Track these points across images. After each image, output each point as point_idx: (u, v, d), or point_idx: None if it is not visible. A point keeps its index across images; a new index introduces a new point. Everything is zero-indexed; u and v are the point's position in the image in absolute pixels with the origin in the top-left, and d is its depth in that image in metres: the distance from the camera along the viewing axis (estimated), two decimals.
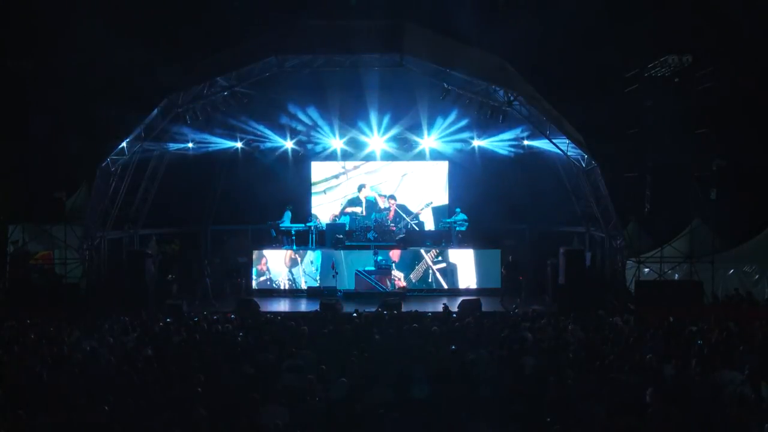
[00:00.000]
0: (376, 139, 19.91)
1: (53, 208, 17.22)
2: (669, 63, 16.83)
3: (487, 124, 18.13)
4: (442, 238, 20.43)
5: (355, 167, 21.32)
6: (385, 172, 21.43)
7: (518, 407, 6.94)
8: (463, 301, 16.15)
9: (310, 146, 19.93)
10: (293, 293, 19.22)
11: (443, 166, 21.34)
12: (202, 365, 8.70)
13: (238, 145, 20.05)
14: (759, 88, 17.54)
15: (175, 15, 18.64)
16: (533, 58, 18.02)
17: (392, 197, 21.15)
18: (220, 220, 21.30)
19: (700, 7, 16.99)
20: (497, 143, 19.43)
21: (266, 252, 19.48)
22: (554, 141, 16.74)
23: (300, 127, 19.69)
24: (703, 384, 7.73)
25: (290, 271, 19.33)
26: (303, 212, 20.94)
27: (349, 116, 19.65)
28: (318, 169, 21.48)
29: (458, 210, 20.18)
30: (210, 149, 19.57)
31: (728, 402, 6.99)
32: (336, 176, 21.43)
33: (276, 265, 19.39)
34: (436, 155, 20.44)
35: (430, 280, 19.13)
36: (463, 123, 18.90)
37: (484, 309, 15.70)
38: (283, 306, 17.75)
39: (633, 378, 7.94)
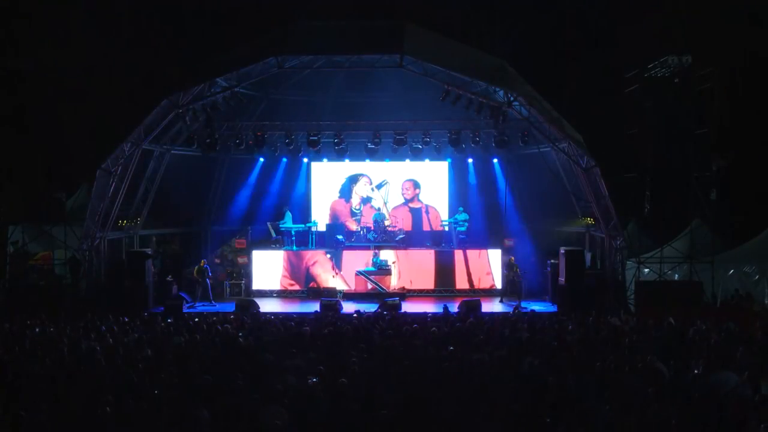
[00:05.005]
0: (378, 139, 19.87)
1: (53, 208, 17.21)
2: (669, 63, 16.85)
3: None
4: (443, 239, 20.48)
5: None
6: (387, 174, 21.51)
7: (518, 408, 6.93)
8: (463, 301, 16.17)
9: (310, 148, 19.84)
10: (293, 293, 19.24)
11: (443, 166, 21.37)
12: (202, 366, 8.69)
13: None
14: (758, 89, 17.55)
15: (175, 15, 18.65)
16: (533, 58, 18.04)
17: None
18: (220, 220, 21.31)
19: (700, 8, 17.00)
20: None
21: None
22: (554, 141, 16.76)
23: (300, 128, 19.67)
24: (703, 384, 7.73)
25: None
26: (303, 213, 20.98)
27: (350, 116, 19.65)
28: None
29: (461, 209, 20.19)
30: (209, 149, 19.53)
31: (727, 402, 6.98)
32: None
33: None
34: (436, 155, 20.41)
35: None
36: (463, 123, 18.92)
37: (483, 309, 15.72)
38: (283, 306, 17.75)
39: (632, 378, 7.93)
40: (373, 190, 21.39)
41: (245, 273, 19.78)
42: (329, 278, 19.31)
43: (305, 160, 21.20)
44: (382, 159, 20.65)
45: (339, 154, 19.91)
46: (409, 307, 16.50)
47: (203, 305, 17.54)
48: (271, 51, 15.79)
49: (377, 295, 17.83)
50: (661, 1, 17.97)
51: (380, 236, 19.76)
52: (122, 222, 18.07)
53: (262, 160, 20.80)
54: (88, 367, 8.79)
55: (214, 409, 6.75)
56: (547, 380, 7.73)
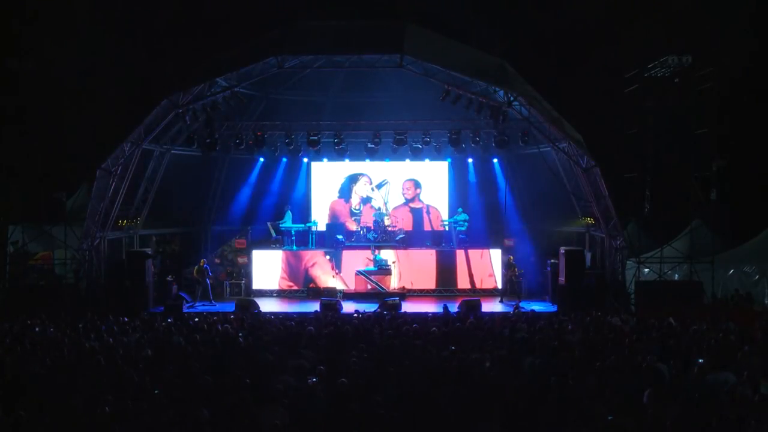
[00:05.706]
0: (378, 139, 19.87)
1: (53, 208, 17.20)
2: (669, 63, 16.82)
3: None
4: (443, 239, 20.48)
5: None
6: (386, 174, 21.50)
7: (518, 408, 6.93)
8: (463, 301, 16.17)
9: (310, 148, 19.83)
10: (293, 293, 19.24)
11: (443, 166, 21.36)
12: (202, 366, 8.69)
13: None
14: (758, 89, 17.55)
15: (175, 15, 18.63)
16: (533, 58, 18.03)
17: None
18: (220, 220, 21.31)
19: (700, 7, 17.00)
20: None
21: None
22: (554, 141, 16.75)
23: (300, 128, 19.67)
24: (702, 384, 7.73)
25: None
26: (303, 213, 20.99)
27: (350, 116, 19.64)
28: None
29: (460, 210, 20.20)
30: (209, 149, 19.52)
31: (727, 402, 6.98)
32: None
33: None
34: (436, 155, 20.43)
35: None
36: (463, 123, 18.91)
37: (483, 309, 15.72)
38: (282, 306, 17.75)
39: (632, 379, 7.93)
40: (373, 189, 21.41)
41: (245, 273, 19.80)
42: (329, 279, 19.31)
43: (305, 160, 21.22)
44: (382, 159, 20.65)
45: (339, 154, 19.90)
46: (409, 307, 16.51)
47: (203, 305, 17.55)
48: (271, 51, 15.80)
49: (377, 295, 17.83)
50: (661, 1, 17.97)
51: (380, 236, 19.76)
52: (122, 222, 18.09)
53: (262, 160, 20.81)
54: (88, 367, 8.78)
55: (214, 409, 6.75)
56: (548, 381, 7.73)
